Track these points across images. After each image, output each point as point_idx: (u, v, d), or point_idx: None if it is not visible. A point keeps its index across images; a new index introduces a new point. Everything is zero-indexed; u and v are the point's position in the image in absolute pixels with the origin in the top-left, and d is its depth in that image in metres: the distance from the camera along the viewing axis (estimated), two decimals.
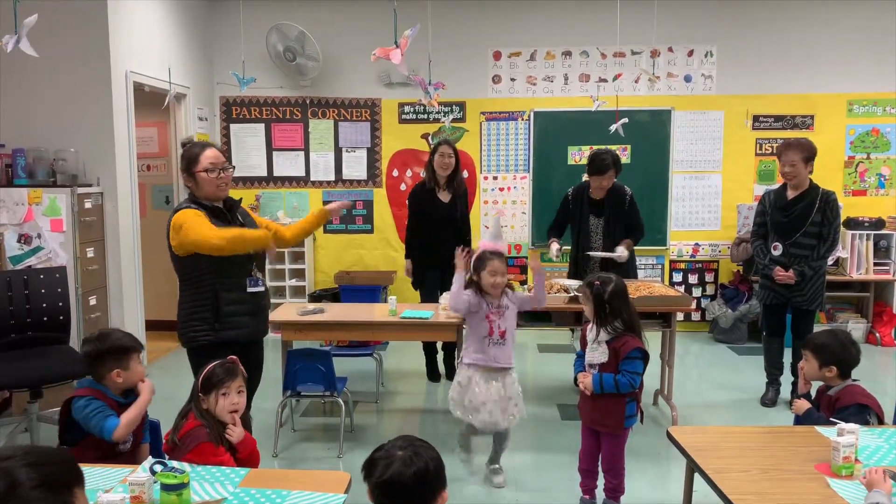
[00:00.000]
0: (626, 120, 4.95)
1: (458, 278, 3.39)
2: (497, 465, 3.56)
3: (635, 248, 4.75)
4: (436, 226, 4.91)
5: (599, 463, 3.21)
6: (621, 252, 4.49)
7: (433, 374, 5.21)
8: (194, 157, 2.94)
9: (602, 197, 4.67)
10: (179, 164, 3.02)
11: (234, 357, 2.56)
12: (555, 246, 4.79)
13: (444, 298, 4.35)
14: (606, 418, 3.10)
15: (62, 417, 2.51)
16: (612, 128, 4.91)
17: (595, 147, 6.04)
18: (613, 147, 6.37)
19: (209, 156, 2.95)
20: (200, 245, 2.84)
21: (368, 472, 1.63)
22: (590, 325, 3.17)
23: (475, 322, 3.40)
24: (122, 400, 2.52)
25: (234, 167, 3.21)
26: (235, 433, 2.43)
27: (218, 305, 2.96)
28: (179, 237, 2.87)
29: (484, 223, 6.67)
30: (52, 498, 1.26)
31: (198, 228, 2.83)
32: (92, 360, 2.51)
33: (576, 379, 3.21)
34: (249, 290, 3.04)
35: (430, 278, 4.97)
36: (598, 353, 3.06)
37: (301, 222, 3.41)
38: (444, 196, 4.94)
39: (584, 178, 4.84)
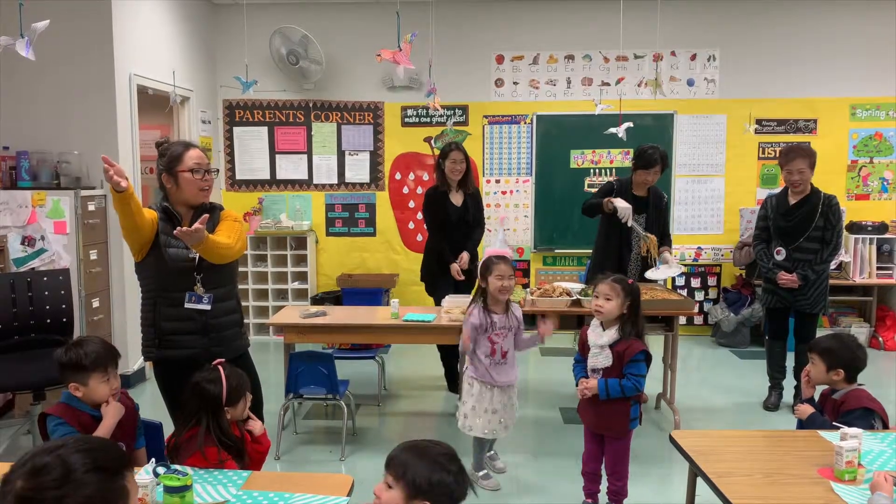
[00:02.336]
0: (630, 124, 4.92)
1: (468, 322, 3.41)
2: (493, 451, 3.62)
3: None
4: (449, 229, 4.80)
5: (602, 466, 3.21)
6: (678, 267, 4.56)
7: (454, 385, 4.92)
8: (177, 156, 2.75)
9: (645, 195, 4.63)
10: (158, 163, 2.80)
11: (221, 360, 2.50)
12: (620, 200, 4.44)
13: (447, 301, 4.37)
14: (612, 422, 3.09)
15: (41, 432, 2.43)
16: (617, 132, 4.88)
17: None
18: (615, 151, 6.43)
19: (193, 156, 2.76)
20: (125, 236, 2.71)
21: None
22: (593, 329, 3.13)
23: (479, 341, 3.42)
24: (97, 414, 2.40)
25: (217, 171, 2.99)
26: (257, 426, 2.44)
27: (156, 321, 2.75)
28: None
29: (487, 227, 6.66)
30: (107, 481, 1.31)
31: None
32: (59, 367, 2.43)
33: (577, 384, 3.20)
34: (187, 305, 2.74)
35: (443, 283, 4.81)
36: (601, 358, 3.04)
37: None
38: (457, 199, 4.83)
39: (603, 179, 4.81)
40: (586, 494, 3.26)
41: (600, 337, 3.06)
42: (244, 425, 2.43)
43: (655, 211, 4.64)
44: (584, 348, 3.17)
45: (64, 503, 1.24)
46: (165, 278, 2.73)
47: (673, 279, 6.63)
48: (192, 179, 2.75)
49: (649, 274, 4.47)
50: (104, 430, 2.35)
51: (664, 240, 4.70)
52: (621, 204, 4.40)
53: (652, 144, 4.57)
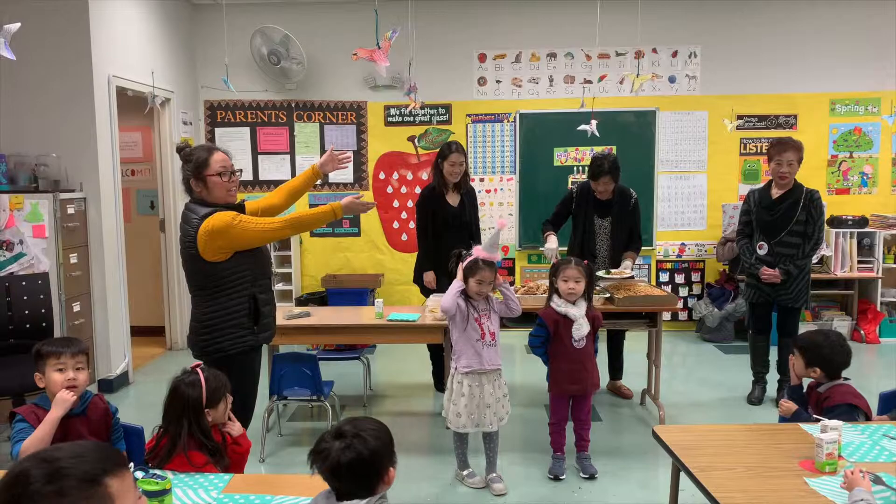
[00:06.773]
0: (596, 121, 4.84)
1: (457, 283, 3.45)
2: (495, 474, 3.56)
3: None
4: (445, 230, 4.69)
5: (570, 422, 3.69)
6: (628, 269, 4.49)
7: (440, 384, 4.87)
8: (203, 161, 2.87)
9: (608, 198, 4.61)
10: (184, 168, 2.90)
11: (198, 361, 2.52)
12: (552, 240, 4.60)
13: (432, 301, 4.36)
14: (596, 379, 3.67)
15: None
16: (585, 128, 4.81)
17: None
18: (599, 148, 6.44)
19: (218, 159, 2.89)
20: (265, 236, 2.87)
21: (313, 463, 1.78)
22: (567, 307, 3.49)
23: (467, 327, 3.42)
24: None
25: (241, 171, 3.14)
26: (236, 427, 2.42)
27: (257, 308, 2.93)
28: (228, 238, 2.78)
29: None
30: (79, 489, 1.19)
31: (254, 222, 2.85)
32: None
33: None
34: (274, 288, 3.00)
35: (441, 285, 4.63)
36: (584, 326, 3.50)
37: (289, 184, 3.42)
38: (453, 199, 4.73)
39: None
40: (556, 448, 3.68)
41: (579, 309, 3.51)
42: (223, 427, 2.40)
43: (621, 212, 4.61)
44: (555, 324, 3.51)
45: None
46: (260, 266, 2.97)
47: (657, 275, 6.67)
48: (220, 182, 2.88)
49: (601, 274, 4.41)
50: (47, 421, 2.31)
51: (631, 244, 4.65)
52: (547, 245, 4.61)
53: (604, 154, 4.63)
